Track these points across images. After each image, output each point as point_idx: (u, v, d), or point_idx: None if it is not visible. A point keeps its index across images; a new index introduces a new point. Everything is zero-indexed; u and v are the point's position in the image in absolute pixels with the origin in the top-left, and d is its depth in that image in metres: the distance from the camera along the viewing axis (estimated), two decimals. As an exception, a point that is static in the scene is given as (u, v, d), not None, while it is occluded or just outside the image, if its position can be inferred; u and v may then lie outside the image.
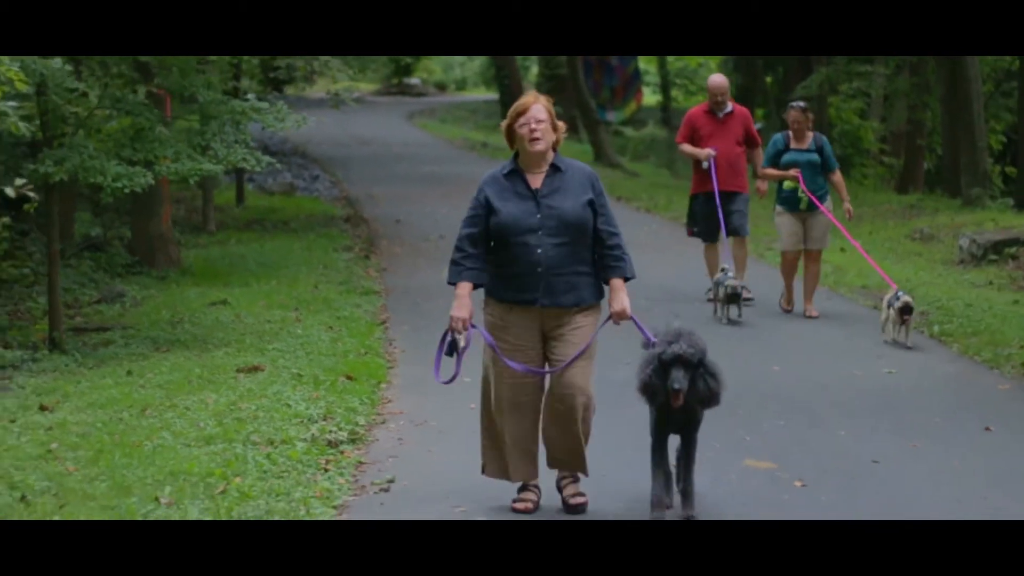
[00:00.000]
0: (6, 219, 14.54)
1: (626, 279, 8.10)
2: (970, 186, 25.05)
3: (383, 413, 10.59)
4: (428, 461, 9.26)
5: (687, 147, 15.65)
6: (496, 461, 8.26)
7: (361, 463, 9.19)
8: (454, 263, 8.14)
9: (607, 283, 8.14)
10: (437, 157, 37.80)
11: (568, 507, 8.19)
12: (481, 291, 8.20)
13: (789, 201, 14.80)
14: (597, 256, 8.13)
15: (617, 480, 8.64)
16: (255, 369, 11.72)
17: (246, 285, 16.70)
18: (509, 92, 54.82)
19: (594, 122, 41.81)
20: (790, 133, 14.88)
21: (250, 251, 19.79)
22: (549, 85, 52.90)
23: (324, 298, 15.69)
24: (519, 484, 8.30)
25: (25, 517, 7.77)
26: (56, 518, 7.74)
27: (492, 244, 8.10)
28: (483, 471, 8.33)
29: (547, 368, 8.12)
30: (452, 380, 8.27)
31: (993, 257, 19.06)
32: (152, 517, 7.76)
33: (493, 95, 67.22)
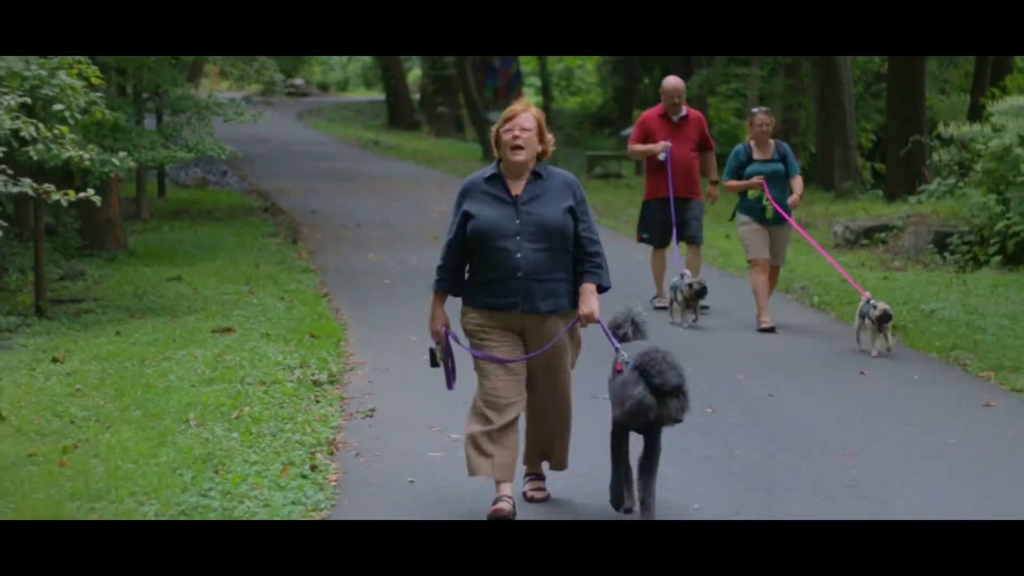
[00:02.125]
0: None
1: (601, 287, 8.06)
2: (842, 180, 27.15)
3: (349, 363, 12.29)
4: (398, 396, 10.98)
5: (639, 146, 15.32)
6: (481, 458, 8.04)
7: (343, 398, 10.91)
8: (437, 270, 8.17)
9: (581, 287, 8.07)
10: (334, 154, 39.42)
11: (529, 499, 8.32)
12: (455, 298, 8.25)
13: (754, 211, 14.33)
14: (576, 262, 8.07)
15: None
16: (228, 330, 13.34)
17: (192, 265, 18.27)
18: (395, 92, 56.49)
19: (482, 121, 43.17)
20: (751, 143, 14.40)
21: (185, 236, 21.36)
22: (435, 86, 54.64)
23: (268, 275, 17.32)
24: (492, 485, 8.16)
25: (73, 439, 9.34)
26: (103, 438, 9.34)
27: (470, 250, 8.04)
28: (470, 472, 8.10)
29: (526, 375, 8.09)
30: (452, 387, 8.37)
31: (864, 242, 21.13)
32: (184, 437, 9.37)
33: (376, 95, 68.69)
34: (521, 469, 8.38)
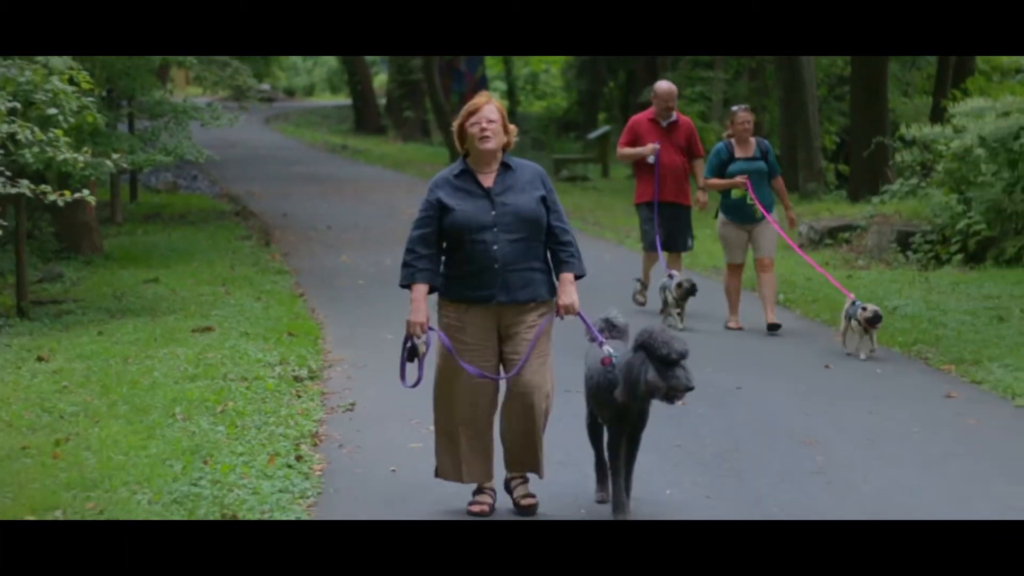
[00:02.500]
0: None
1: (577, 276, 8.17)
2: (807, 181, 27.54)
3: (328, 360, 12.59)
4: (376, 391, 11.26)
5: (628, 149, 15.20)
6: (450, 462, 8.25)
7: (324, 393, 11.22)
8: (406, 265, 8.14)
9: (558, 278, 8.22)
10: (303, 159, 39.67)
11: (519, 508, 8.24)
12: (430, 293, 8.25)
13: (737, 211, 14.21)
14: (550, 252, 8.20)
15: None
16: (207, 329, 13.63)
17: (168, 267, 18.52)
18: (361, 97, 56.75)
19: (448, 125, 43.20)
20: (732, 141, 14.28)
21: (159, 240, 21.62)
22: (401, 91, 54.93)
23: (243, 277, 17.60)
24: (473, 485, 8.37)
25: (64, 433, 9.62)
26: (94, 432, 9.62)
27: (445, 245, 8.14)
28: (436, 473, 8.33)
29: (502, 372, 8.18)
30: (417, 384, 8.36)
31: (829, 241, 21.53)
32: (172, 431, 9.66)
33: (342, 100, 68.97)
34: (501, 472, 8.42)
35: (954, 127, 20.68)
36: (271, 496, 8.17)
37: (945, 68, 28.89)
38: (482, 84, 56.77)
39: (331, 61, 73.69)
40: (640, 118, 15.37)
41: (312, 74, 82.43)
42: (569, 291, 8.11)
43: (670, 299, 14.35)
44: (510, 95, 60.68)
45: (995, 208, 19.25)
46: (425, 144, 51.65)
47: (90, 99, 10.75)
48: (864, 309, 12.67)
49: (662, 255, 14.89)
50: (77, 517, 7.68)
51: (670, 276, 14.42)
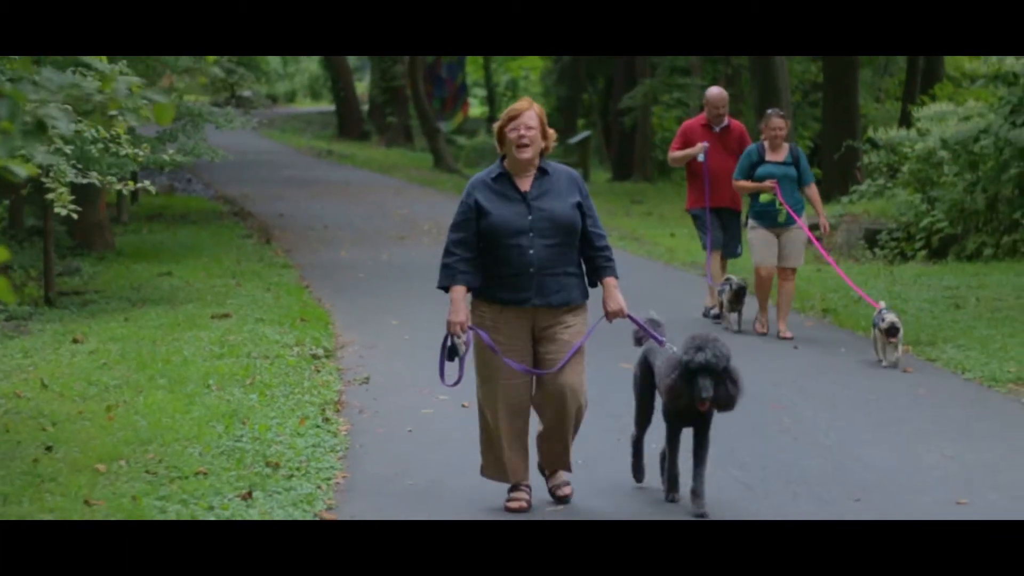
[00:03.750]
0: (5, 202, 17.37)
1: (616, 278, 8.33)
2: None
3: (340, 342, 13.73)
4: (388, 367, 12.41)
5: (677, 152, 15.25)
6: (494, 463, 8.43)
7: (340, 368, 12.35)
8: (445, 267, 8.26)
9: (597, 284, 8.35)
10: (291, 163, 40.77)
11: (556, 498, 8.42)
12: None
13: (765, 215, 14.07)
14: (586, 258, 8.29)
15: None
16: (225, 316, 14.75)
17: (178, 262, 19.64)
18: (344, 103, 57.76)
19: (433, 130, 44.27)
20: (765, 144, 14.09)
21: (165, 238, 22.76)
22: (384, 97, 55.97)
23: (251, 270, 18.73)
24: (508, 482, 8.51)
25: (113, 401, 10.74)
26: (139, 400, 10.74)
27: (482, 246, 8.20)
28: (482, 472, 8.53)
29: (538, 368, 8.27)
30: (457, 383, 8.50)
31: (801, 239, 22.72)
32: (209, 399, 10.78)
33: (324, 106, 69.93)
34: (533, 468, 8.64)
35: (918, 131, 21.93)
36: (305, 450, 9.30)
37: (914, 74, 30.19)
38: (462, 90, 57.98)
39: (312, 67, 74.64)
40: (692, 123, 15.43)
41: (293, 80, 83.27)
42: (616, 296, 8.27)
43: (725, 303, 14.42)
44: (490, 101, 61.62)
45: (957, 207, 20.48)
46: (408, 149, 52.72)
47: (144, 101, 11.80)
48: (883, 319, 12.52)
49: (710, 260, 15.03)
50: (139, 467, 8.78)
51: (727, 280, 14.42)
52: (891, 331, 12.38)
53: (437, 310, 14.10)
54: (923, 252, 20.38)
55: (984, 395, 11.45)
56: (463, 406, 10.77)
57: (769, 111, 14.42)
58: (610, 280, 8.29)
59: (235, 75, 23.08)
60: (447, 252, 8.29)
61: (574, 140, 44.32)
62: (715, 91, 15.45)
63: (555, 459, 8.43)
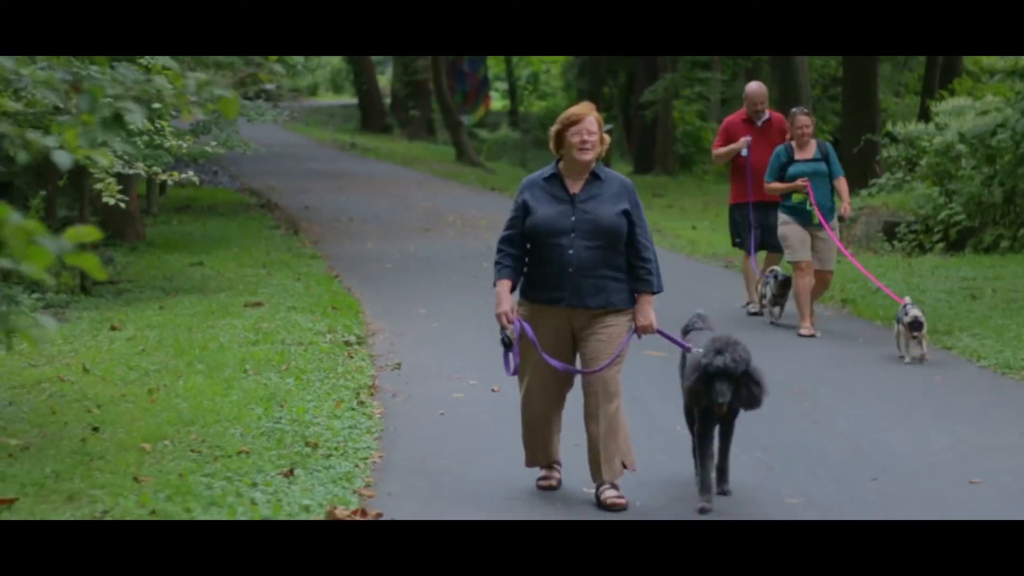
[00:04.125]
0: (42, 192, 17.76)
1: (653, 293, 8.34)
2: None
3: (371, 329, 14.09)
4: (418, 354, 12.77)
5: (721, 149, 15.44)
6: (534, 451, 8.67)
7: (372, 355, 12.70)
8: (496, 264, 8.46)
9: (636, 295, 8.37)
10: (315, 156, 41.18)
11: (602, 505, 8.30)
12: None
13: (798, 214, 14.03)
14: (630, 267, 8.34)
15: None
16: (258, 304, 15.11)
17: (208, 253, 20.02)
18: (367, 96, 58.16)
19: (455, 123, 44.61)
20: (793, 143, 14.09)
21: (195, 229, 23.16)
22: (407, 90, 56.35)
23: (280, 261, 19.11)
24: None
25: (154, 385, 11.10)
26: (179, 384, 11.10)
27: (528, 246, 8.38)
28: (527, 464, 8.73)
29: (578, 367, 8.45)
30: (516, 371, 8.45)
31: (819, 232, 23.06)
32: (247, 383, 11.13)
33: (346, 99, 70.34)
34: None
35: (937, 125, 22.23)
36: (342, 431, 9.66)
37: (933, 70, 30.44)
38: (484, 84, 58.28)
39: (334, 61, 75.01)
40: (734, 119, 15.58)
41: (315, 74, 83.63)
42: (646, 312, 8.32)
43: (768, 295, 14.47)
44: (511, 95, 62.01)
45: (974, 200, 20.76)
46: (430, 143, 53.09)
47: (193, 97, 12.20)
48: (906, 314, 12.49)
49: (754, 257, 15.16)
50: (183, 446, 9.13)
51: (772, 273, 14.44)
52: (914, 325, 12.34)
53: (464, 300, 14.60)
54: (941, 244, 20.67)
55: (998, 382, 11.76)
56: (493, 390, 11.15)
57: (794, 110, 14.42)
58: (644, 296, 8.32)
59: (264, 69, 23.33)
60: (497, 250, 8.49)
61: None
62: (754, 86, 15.62)
63: (594, 468, 8.39)
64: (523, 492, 8.55)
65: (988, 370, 12.17)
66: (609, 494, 8.24)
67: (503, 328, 8.34)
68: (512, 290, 8.40)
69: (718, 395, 7.97)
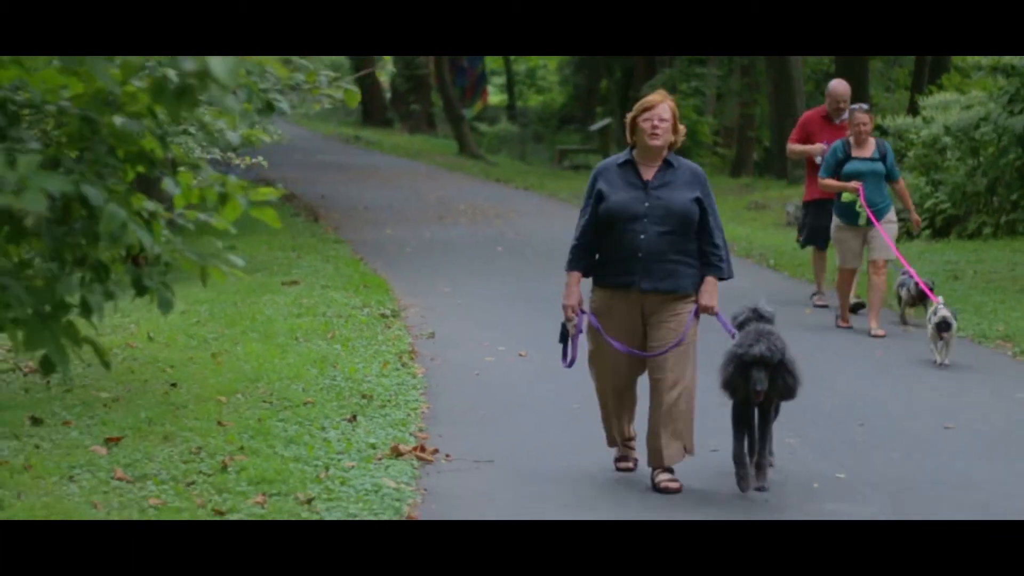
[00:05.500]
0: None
1: (722, 279, 8.48)
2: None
3: (402, 304, 15.33)
4: (449, 325, 14.01)
5: (796, 146, 15.42)
6: (611, 432, 8.92)
7: (407, 326, 13.94)
8: (570, 252, 8.63)
9: (704, 279, 8.45)
10: (322, 148, 42.47)
11: (658, 489, 8.48)
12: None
13: (847, 214, 13.74)
14: (700, 252, 8.45)
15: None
16: (294, 283, 16.34)
17: (236, 237, 21.18)
18: (368, 91, 59.32)
19: (457, 117, 45.79)
20: (851, 139, 13.76)
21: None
22: (408, 85, 57.54)
23: (307, 245, 20.35)
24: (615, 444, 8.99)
25: (216, 350, 12.32)
26: (238, 349, 12.33)
27: (600, 231, 8.50)
28: (608, 443, 8.97)
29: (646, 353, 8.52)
30: (572, 364, 8.73)
31: (812, 219, 24.33)
32: (299, 348, 12.36)
33: (348, 94, 71.45)
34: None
35: (924, 119, 23.51)
36: (392, 387, 10.90)
37: (922, 66, 31.76)
38: (482, 79, 59.32)
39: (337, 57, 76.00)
40: (812, 115, 15.54)
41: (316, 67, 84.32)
42: (711, 293, 8.44)
43: (905, 297, 14.17)
44: (509, 90, 63.20)
45: (959, 190, 22.01)
46: (431, 136, 54.31)
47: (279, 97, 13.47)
48: (936, 314, 12.23)
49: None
50: (254, 399, 10.37)
51: (907, 275, 13.99)
52: (942, 326, 12.03)
53: (484, 280, 15.89)
54: (927, 231, 21.92)
55: (975, 349, 13.03)
56: (520, 355, 12.42)
57: (853, 107, 14.04)
58: (711, 278, 8.43)
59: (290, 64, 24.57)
60: (575, 237, 8.64)
61: (595, 127, 45.94)
62: (838, 84, 15.47)
63: (652, 454, 8.55)
64: (555, 441, 9.78)
65: (967, 339, 13.40)
66: (662, 477, 8.46)
67: (567, 320, 8.59)
68: (581, 276, 8.62)
69: (756, 383, 8.04)
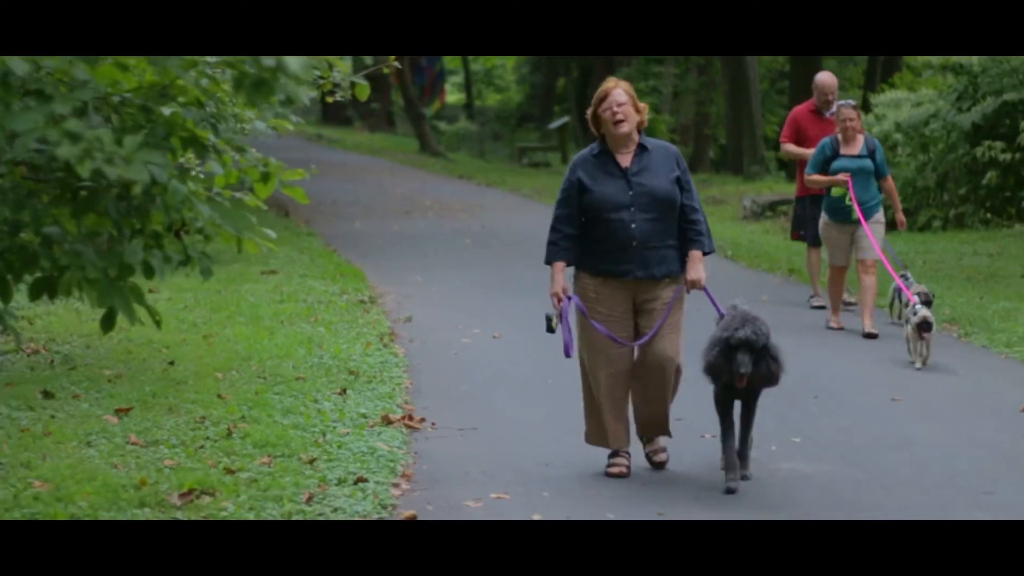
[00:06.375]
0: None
1: (705, 253, 8.56)
2: (750, 164, 31.25)
3: (378, 292, 16.04)
4: (425, 311, 14.73)
5: (791, 147, 15.25)
6: (597, 429, 8.77)
7: (384, 311, 14.66)
8: (550, 243, 8.61)
9: (687, 255, 8.53)
10: (285, 146, 42.50)
11: (653, 463, 8.80)
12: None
13: (836, 210, 13.61)
14: (679, 229, 8.52)
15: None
16: (273, 272, 17.03)
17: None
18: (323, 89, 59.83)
19: (418, 116, 46.46)
20: (839, 136, 13.60)
21: (193, 210, 25.04)
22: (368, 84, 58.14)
23: (280, 238, 20.81)
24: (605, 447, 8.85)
25: (206, 332, 13.00)
26: (227, 331, 13.01)
27: (584, 221, 8.54)
28: (586, 439, 8.86)
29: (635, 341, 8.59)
30: (570, 354, 8.66)
31: (769, 214, 25.18)
32: (286, 330, 13.03)
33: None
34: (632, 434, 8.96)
35: (876, 116, 24.36)
36: (376, 365, 11.61)
37: (874, 65, 32.71)
38: (440, 78, 59.92)
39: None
40: (801, 110, 15.48)
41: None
42: (697, 267, 8.51)
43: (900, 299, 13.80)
44: (467, 89, 63.89)
45: (910, 185, 22.86)
46: (391, 134, 54.98)
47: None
48: (915, 314, 12.07)
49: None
50: (248, 375, 11.04)
51: (906, 277, 13.68)
52: (923, 326, 11.91)
53: (455, 271, 16.64)
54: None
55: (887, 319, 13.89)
56: (494, 337, 13.17)
57: (840, 103, 13.86)
58: (695, 252, 8.52)
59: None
60: (552, 229, 8.65)
61: (554, 125, 46.67)
62: (826, 77, 15.39)
63: (654, 425, 8.76)
64: (532, 410, 10.52)
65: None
66: (657, 448, 8.83)
67: (555, 307, 8.54)
68: (566, 265, 8.65)
69: (739, 366, 8.07)
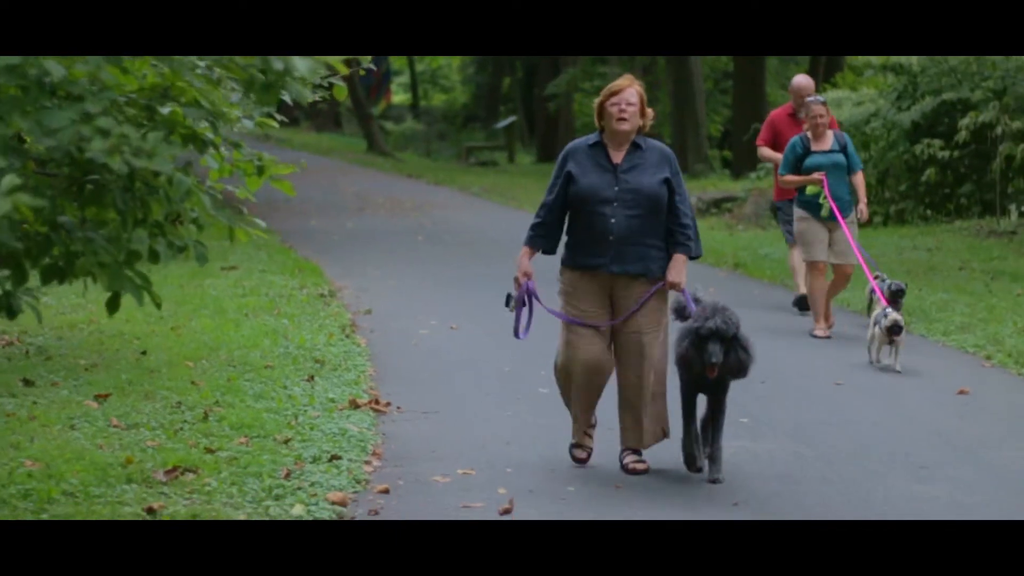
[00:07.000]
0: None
1: (691, 258, 8.60)
2: (695, 163, 31.83)
3: (336, 286, 16.49)
4: (384, 303, 15.19)
5: (766, 151, 15.13)
6: (576, 431, 8.89)
7: (344, 304, 15.12)
8: (529, 228, 8.70)
9: (672, 257, 8.51)
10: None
11: (626, 470, 8.64)
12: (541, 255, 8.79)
13: (812, 206, 13.38)
14: (668, 231, 8.48)
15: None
16: (233, 268, 17.45)
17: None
18: (275, 90, 60.13)
19: (366, 116, 46.92)
20: (809, 134, 13.37)
21: (148, 209, 25.44)
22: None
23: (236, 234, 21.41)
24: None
25: (174, 324, 13.41)
26: (194, 324, 13.43)
27: (570, 212, 8.60)
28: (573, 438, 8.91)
29: (611, 344, 8.63)
30: (524, 334, 8.79)
31: (714, 211, 25.81)
32: (250, 322, 13.47)
33: (252, 92, 72.19)
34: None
35: (818, 114, 24.95)
36: (340, 354, 12.06)
37: (816, 65, 33.29)
38: (386, 78, 60.32)
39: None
40: (779, 113, 15.36)
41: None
42: (679, 270, 8.53)
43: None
44: (413, 89, 64.31)
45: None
46: (339, 134, 55.40)
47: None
48: (886, 316, 11.87)
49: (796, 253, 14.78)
50: (219, 363, 11.47)
51: (882, 279, 13.13)
52: (894, 330, 11.71)
53: (410, 265, 17.13)
54: (822, 220, 23.35)
55: (862, 320, 14.39)
56: (451, 327, 13.66)
57: (809, 99, 13.66)
58: (678, 256, 8.52)
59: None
60: (537, 215, 8.73)
61: (500, 125, 47.23)
62: (802, 80, 15.25)
63: (626, 433, 8.71)
64: (491, 395, 11.00)
65: (858, 313, 14.80)
66: (631, 459, 8.65)
67: (515, 290, 8.68)
68: (536, 252, 8.69)
69: (711, 356, 8.08)
